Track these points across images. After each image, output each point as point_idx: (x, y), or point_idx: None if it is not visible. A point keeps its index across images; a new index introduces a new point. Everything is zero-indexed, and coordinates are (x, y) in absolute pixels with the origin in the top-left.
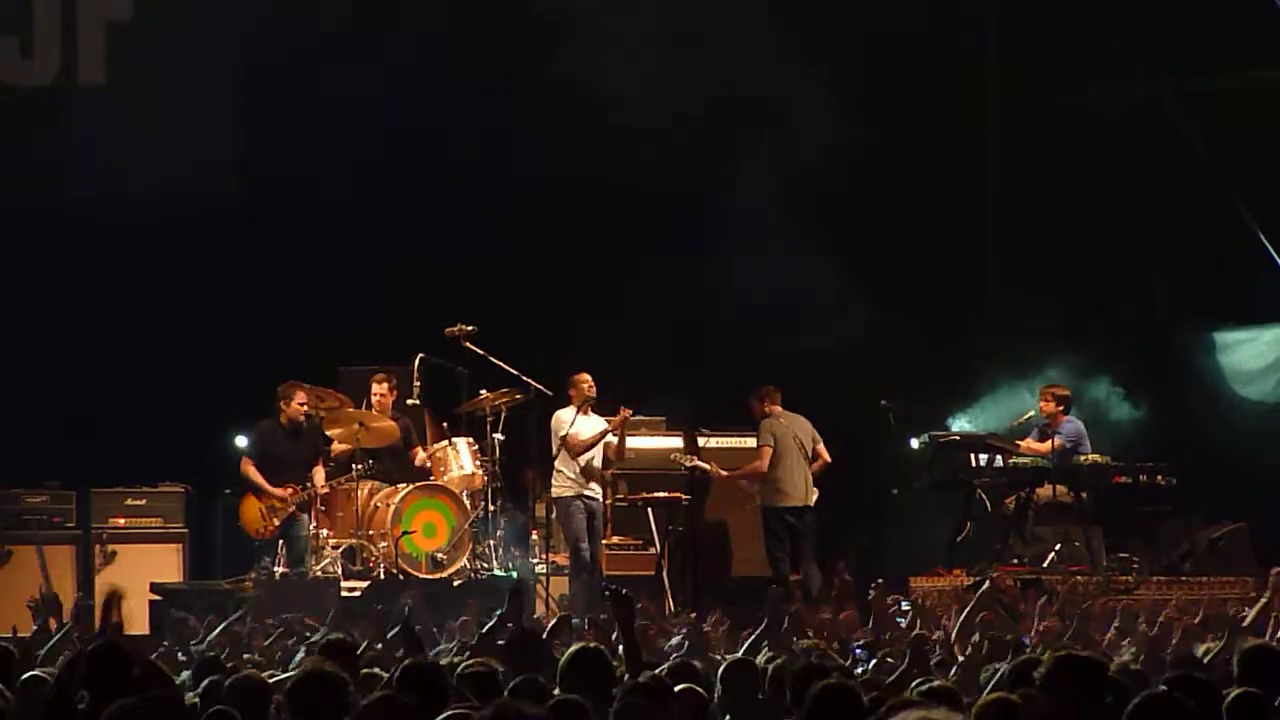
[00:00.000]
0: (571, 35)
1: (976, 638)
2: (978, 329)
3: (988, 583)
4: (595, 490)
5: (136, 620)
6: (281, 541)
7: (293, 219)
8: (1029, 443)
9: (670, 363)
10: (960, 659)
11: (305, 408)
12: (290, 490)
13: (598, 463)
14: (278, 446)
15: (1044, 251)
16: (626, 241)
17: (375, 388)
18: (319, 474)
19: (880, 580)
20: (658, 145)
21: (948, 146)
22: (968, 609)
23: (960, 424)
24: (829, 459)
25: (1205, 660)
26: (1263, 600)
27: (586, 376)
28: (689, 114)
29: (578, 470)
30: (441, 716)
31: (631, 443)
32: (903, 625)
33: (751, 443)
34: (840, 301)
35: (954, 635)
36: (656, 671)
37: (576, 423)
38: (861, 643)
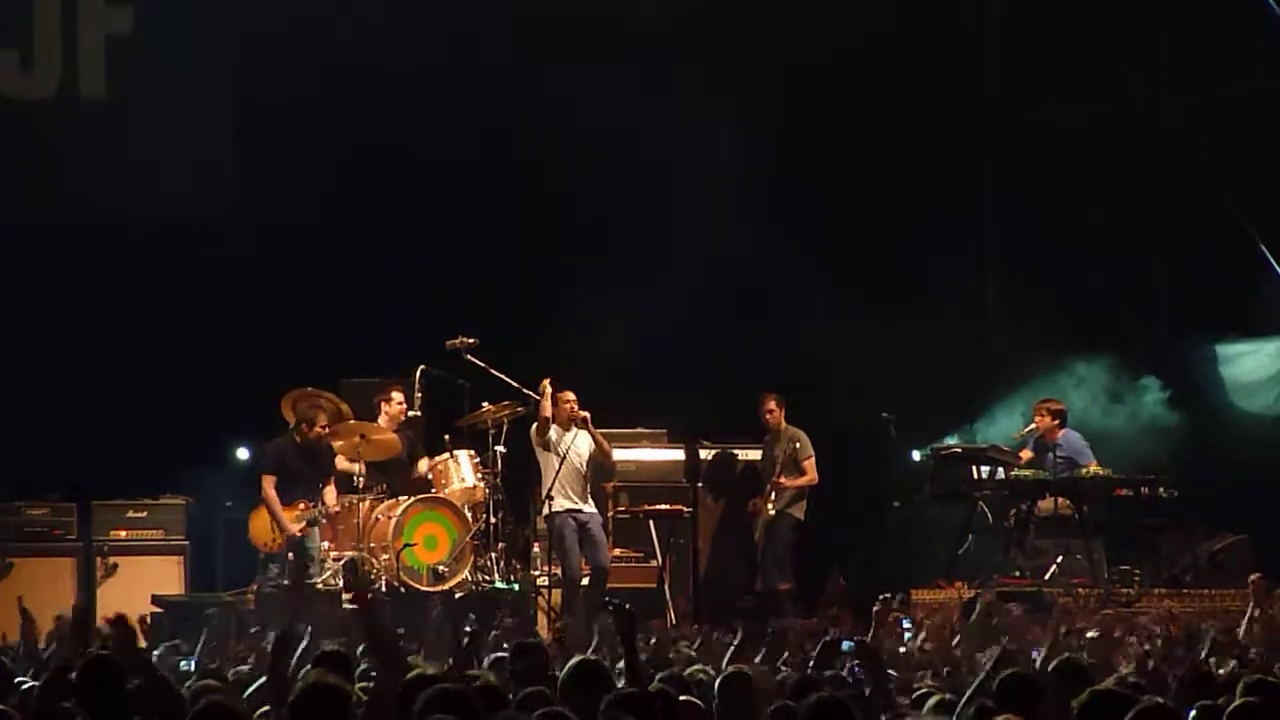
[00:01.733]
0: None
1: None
2: (979, 334)
3: (979, 601)
4: (578, 504)
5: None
6: (291, 554)
7: (293, 229)
8: (1025, 455)
9: (670, 374)
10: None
11: (326, 431)
12: (303, 506)
13: (576, 478)
14: (295, 464)
15: (1045, 262)
16: (623, 249)
17: (395, 395)
18: (329, 493)
19: (887, 595)
20: (655, 151)
21: (947, 157)
22: (963, 625)
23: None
24: None
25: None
26: (1250, 611)
27: (570, 395)
28: (682, 114)
29: (557, 486)
30: None
31: (633, 455)
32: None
33: (754, 455)
34: (840, 309)
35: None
36: (649, 686)
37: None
38: (854, 640)
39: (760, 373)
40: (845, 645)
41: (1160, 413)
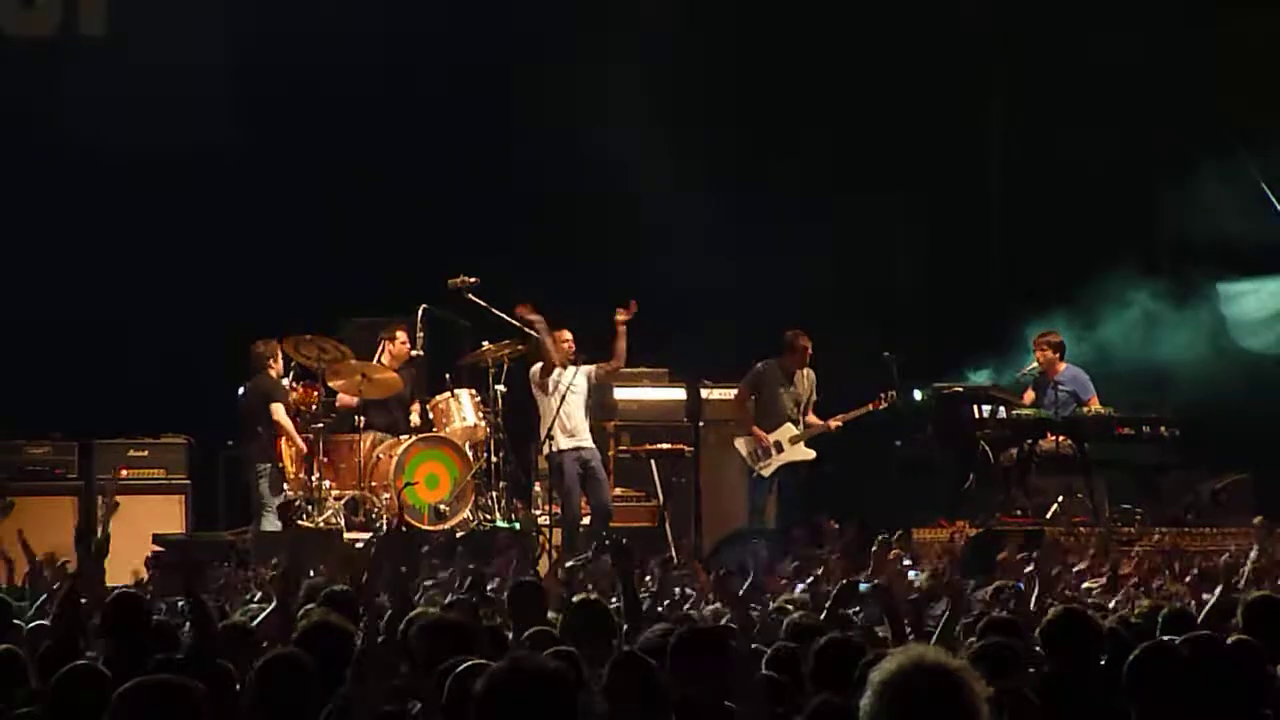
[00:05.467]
0: None
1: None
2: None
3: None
4: (580, 441)
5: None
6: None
7: (292, 167)
8: (1029, 397)
9: (670, 312)
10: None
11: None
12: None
13: (577, 415)
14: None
15: (1049, 197)
16: (625, 185)
17: (400, 335)
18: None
19: (885, 535)
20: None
21: (951, 90)
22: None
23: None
24: None
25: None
26: (1252, 554)
27: (566, 334)
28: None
29: (558, 425)
30: (462, 667)
31: (635, 394)
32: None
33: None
34: (847, 242)
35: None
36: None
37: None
38: (867, 584)
39: (764, 309)
40: (862, 587)
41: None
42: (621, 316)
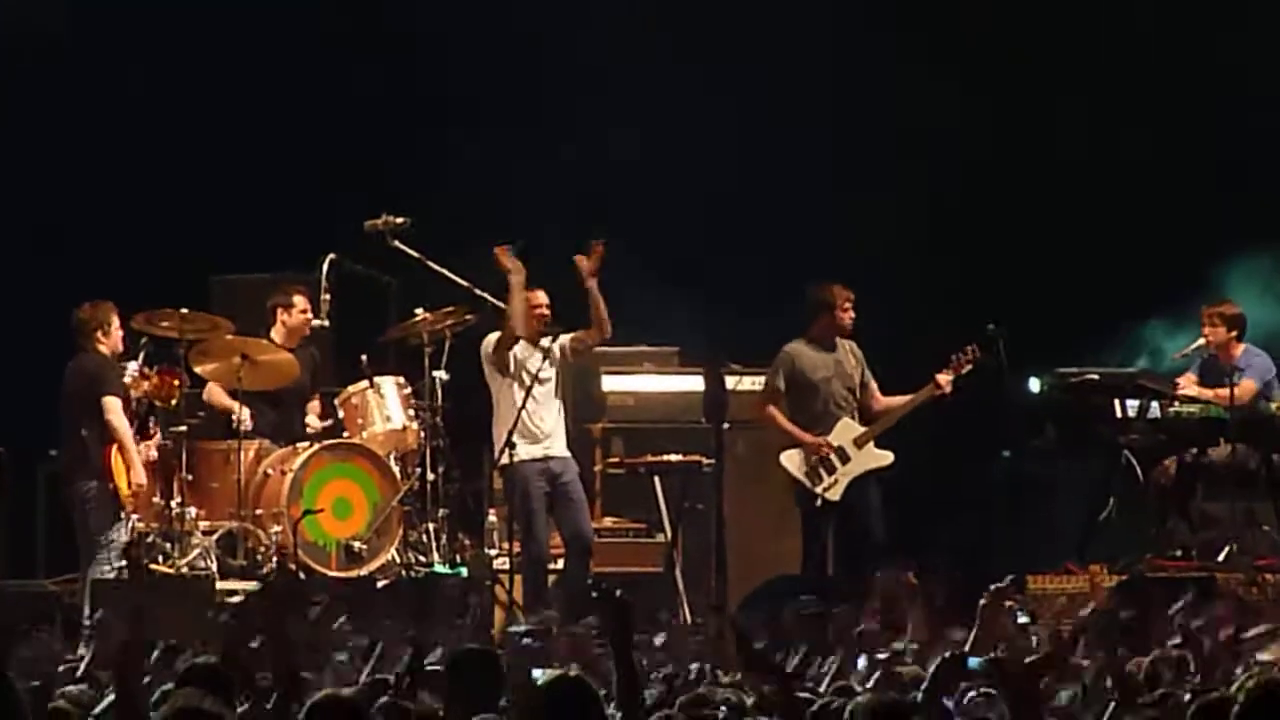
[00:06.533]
0: None
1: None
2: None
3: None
4: (548, 448)
5: None
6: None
7: (140, 77)
8: (1188, 379)
9: (676, 273)
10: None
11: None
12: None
13: (546, 410)
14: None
15: None
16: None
17: (298, 300)
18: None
19: (997, 585)
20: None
21: None
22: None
23: None
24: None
25: None
26: None
27: (540, 296)
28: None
29: (521, 427)
30: None
31: (631, 384)
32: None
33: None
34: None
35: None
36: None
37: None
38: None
39: (804, 264)
40: (972, 663)
41: None
42: (587, 264)
